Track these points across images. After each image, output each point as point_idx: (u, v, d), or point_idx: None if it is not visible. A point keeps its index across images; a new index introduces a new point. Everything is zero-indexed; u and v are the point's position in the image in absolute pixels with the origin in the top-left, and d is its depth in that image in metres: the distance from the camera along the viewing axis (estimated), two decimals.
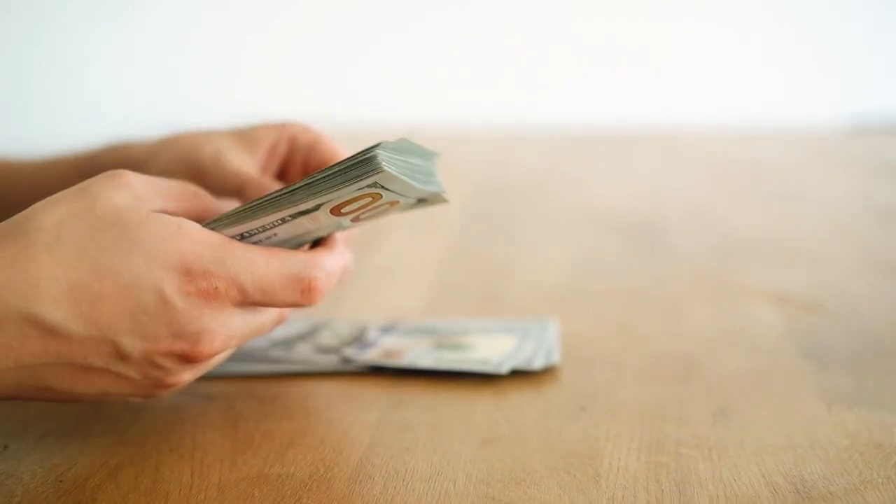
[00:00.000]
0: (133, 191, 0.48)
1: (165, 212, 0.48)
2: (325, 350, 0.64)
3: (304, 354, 0.63)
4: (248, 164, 0.60)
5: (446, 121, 1.68)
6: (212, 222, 0.49)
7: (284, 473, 0.50)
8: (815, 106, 1.70)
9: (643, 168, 1.31)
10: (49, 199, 0.47)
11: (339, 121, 1.66)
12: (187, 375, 0.50)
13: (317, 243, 0.53)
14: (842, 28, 1.70)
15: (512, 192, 1.17)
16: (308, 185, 0.47)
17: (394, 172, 0.46)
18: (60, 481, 0.50)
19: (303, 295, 0.49)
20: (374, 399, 0.59)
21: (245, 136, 0.62)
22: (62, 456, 0.52)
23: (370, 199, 0.48)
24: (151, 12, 1.66)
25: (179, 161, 0.60)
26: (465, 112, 1.72)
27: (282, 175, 0.64)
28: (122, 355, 0.46)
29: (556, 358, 0.62)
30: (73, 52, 1.58)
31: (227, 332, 0.48)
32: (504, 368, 0.60)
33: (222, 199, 0.60)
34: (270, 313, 0.51)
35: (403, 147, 0.48)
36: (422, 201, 0.52)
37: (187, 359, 0.48)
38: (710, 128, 1.59)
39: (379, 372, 0.62)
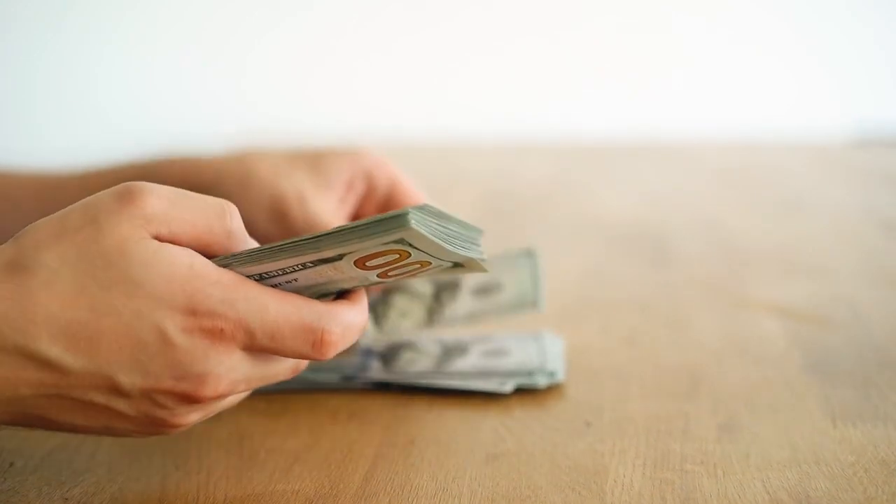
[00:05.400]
0: (143, 217, 0.44)
1: (179, 240, 0.45)
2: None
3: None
4: (330, 209, 0.60)
5: (454, 131, 1.68)
6: (229, 258, 0.46)
7: (290, 490, 0.50)
8: (821, 117, 1.70)
9: (649, 178, 1.31)
10: (54, 221, 0.45)
11: (347, 131, 1.67)
12: (193, 416, 0.47)
13: (342, 295, 0.50)
14: (848, 39, 1.70)
15: (519, 202, 1.18)
16: (332, 234, 0.45)
17: (422, 231, 0.44)
18: (66, 499, 0.50)
19: (314, 347, 0.46)
20: (379, 415, 0.59)
21: (320, 173, 0.61)
22: (68, 473, 0.52)
23: (397, 255, 0.46)
24: (157, 19, 1.66)
25: (265, 205, 0.59)
26: (473, 122, 1.72)
27: (359, 213, 0.64)
28: (120, 392, 0.45)
29: (560, 377, 0.62)
30: (76, 60, 1.58)
31: (233, 376, 0.46)
32: (508, 387, 0.60)
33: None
34: (284, 363, 0.49)
35: (444, 214, 0.46)
36: (458, 266, 0.49)
37: (191, 400, 0.46)
38: (717, 138, 1.59)
39: (383, 388, 0.62)
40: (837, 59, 1.71)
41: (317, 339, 0.46)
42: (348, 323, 0.47)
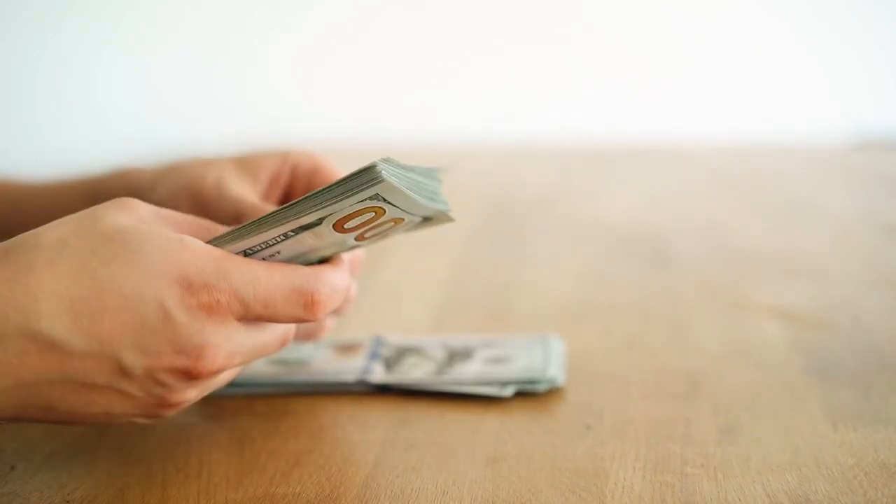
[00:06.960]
0: (139, 215, 0.48)
1: None
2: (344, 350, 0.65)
3: (321, 364, 0.64)
4: (248, 192, 0.60)
5: (454, 136, 1.68)
6: (214, 240, 0.49)
7: (290, 493, 0.50)
8: (822, 121, 1.70)
9: (650, 181, 1.31)
10: (53, 222, 0.47)
11: (348, 136, 1.67)
12: (191, 394, 0.49)
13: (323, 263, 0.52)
14: (849, 42, 1.71)
15: (519, 206, 1.17)
16: (309, 198, 0.47)
17: (395, 184, 0.46)
18: (68, 502, 0.50)
19: (305, 309, 0.49)
20: (380, 418, 0.59)
21: (247, 165, 0.62)
22: (69, 476, 0.52)
23: (373, 213, 0.48)
24: (157, 19, 1.66)
25: (182, 188, 0.60)
26: (474, 124, 1.72)
27: (285, 202, 0.64)
28: (124, 372, 0.46)
29: (560, 382, 0.62)
30: (76, 60, 1.58)
31: (230, 347, 0.47)
32: (508, 392, 0.60)
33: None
34: (275, 331, 0.51)
35: (406, 164, 0.48)
36: (427, 220, 0.52)
37: (190, 375, 0.47)
38: (718, 142, 1.59)
39: (384, 391, 0.62)
40: (838, 62, 1.71)
41: (307, 301, 0.49)
42: (334, 283, 0.50)
